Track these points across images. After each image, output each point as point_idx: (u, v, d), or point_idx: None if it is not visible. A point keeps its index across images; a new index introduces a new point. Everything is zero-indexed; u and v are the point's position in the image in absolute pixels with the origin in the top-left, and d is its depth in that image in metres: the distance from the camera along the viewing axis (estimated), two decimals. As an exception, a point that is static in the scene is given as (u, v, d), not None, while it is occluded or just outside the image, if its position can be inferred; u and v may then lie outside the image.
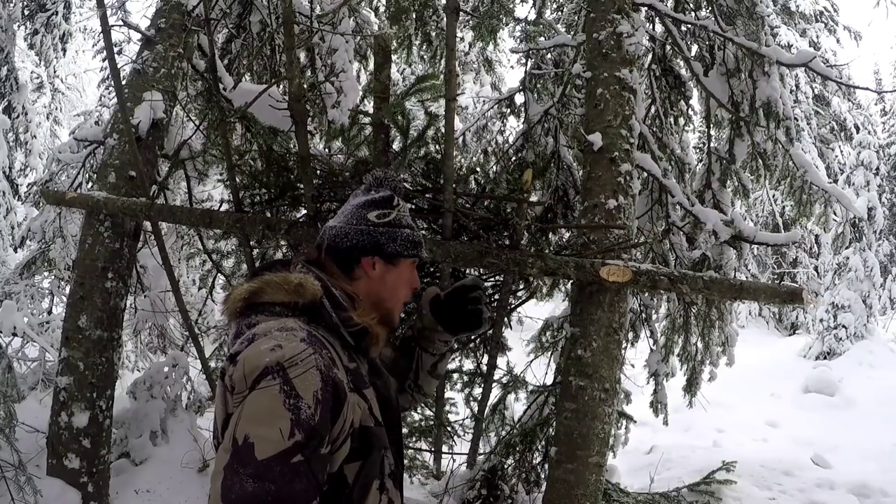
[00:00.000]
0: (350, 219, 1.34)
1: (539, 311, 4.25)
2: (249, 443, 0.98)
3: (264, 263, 1.36)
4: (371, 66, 5.18)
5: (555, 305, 4.71)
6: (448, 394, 3.49)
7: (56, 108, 15.68)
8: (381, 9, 5.60)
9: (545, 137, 4.07)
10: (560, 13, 5.41)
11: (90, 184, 4.17)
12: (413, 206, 2.97)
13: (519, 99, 4.68)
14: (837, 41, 13.22)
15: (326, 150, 3.62)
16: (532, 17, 5.05)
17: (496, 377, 3.42)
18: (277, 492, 0.95)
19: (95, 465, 3.21)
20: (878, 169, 11.82)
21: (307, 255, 1.35)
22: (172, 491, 3.49)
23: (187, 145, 3.67)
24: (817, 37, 13.00)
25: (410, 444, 4.00)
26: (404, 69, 11.24)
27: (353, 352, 1.21)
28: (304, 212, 2.92)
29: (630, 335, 3.95)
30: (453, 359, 3.45)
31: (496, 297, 3.22)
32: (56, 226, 4.82)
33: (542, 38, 4.36)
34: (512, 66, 11.64)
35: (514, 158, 4.07)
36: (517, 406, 3.77)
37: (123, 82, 3.36)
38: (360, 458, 1.14)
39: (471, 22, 5.36)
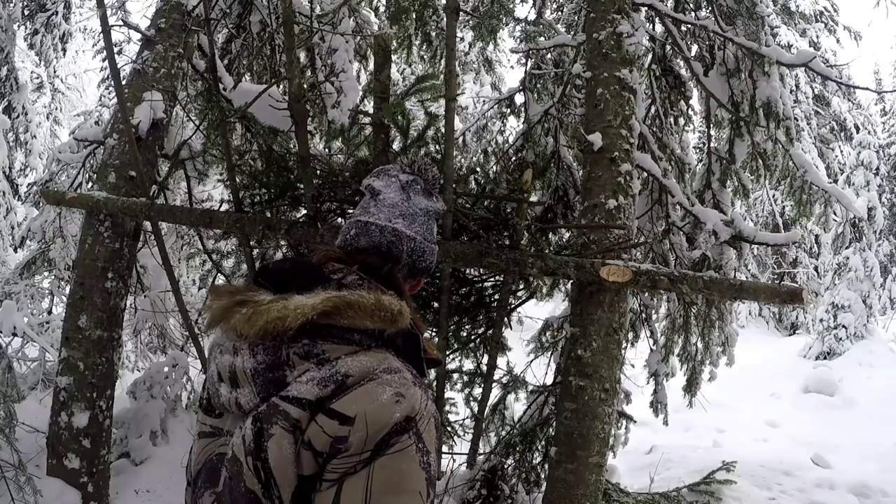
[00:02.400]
0: (425, 233, 1.15)
1: (539, 311, 4.25)
2: None
3: (274, 270, 1.01)
4: (371, 66, 5.18)
5: (555, 305, 4.71)
6: (448, 394, 3.49)
7: (56, 108, 15.68)
8: (381, 9, 5.60)
9: (545, 137, 4.07)
10: (560, 13, 5.41)
11: (90, 184, 4.17)
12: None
13: (519, 99, 4.68)
14: (837, 41, 13.22)
15: (326, 150, 3.63)
16: (532, 17, 5.05)
17: (496, 377, 3.42)
18: None
19: (95, 465, 3.21)
20: (878, 169, 11.82)
21: (332, 256, 1.11)
22: (172, 491, 3.49)
23: (187, 145, 3.67)
24: (817, 37, 13.00)
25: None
26: (404, 69, 11.23)
27: None
28: (304, 212, 2.92)
29: (630, 335, 3.95)
30: (453, 359, 3.45)
31: (496, 297, 3.22)
32: (56, 226, 4.81)
33: (542, 38, 4.36)
34: (512, 66, 11.64)
35: (514, 158, 4.07)
36: (517, 406, 3.77)
37: (123, 82, 3.35)
38: None
39: (471, 22, 5.36)
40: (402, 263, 1.10)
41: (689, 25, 3.71)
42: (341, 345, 0.91)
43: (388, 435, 0.84)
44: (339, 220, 3.11)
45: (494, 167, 3.97)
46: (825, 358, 10.81)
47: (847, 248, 11.67)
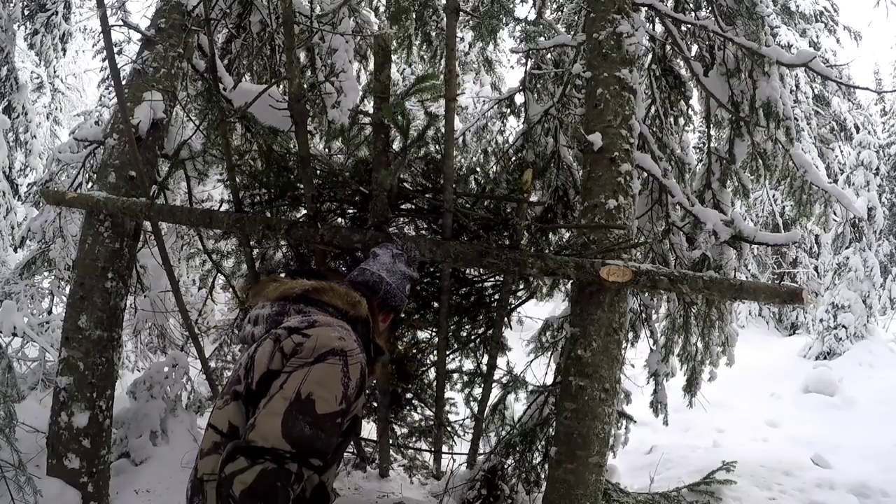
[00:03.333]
0: (401, 284, 1.86)
1: (539, 311, 4.25)
2: (311, 399, 1.35)
3: (300, 268, 1.85)
4: (371, 66, 5.18)
5: (555, 305, 4.71)
6: (448, 394, 3.49)
7: (56, 108, 15.67)
8: (381, 9, 5.60)
9: (545, 137, 4.07)
10: (560, 13, 5.40)
11: (90, 184, 4.16)
12: (413, 206, 2.98)
13: (519, 99, 4.67)
14: (837, 41, 13.20)
15: (326, 150, 3.63)
16: (532, 17, 5.04)
17: (496, 377, 3.42)
18: (325, 439, 1.36)
19: (95, 465, 3.21)
20: (878, 169, 11.81)
21: (339, 278, 1.82)
22: (172, 491, 3.48)
23: (187, 145, 3.66)
24: (817, 37, 12.98)
25: (410, 444, 4.00)
26: (404, 69, 11.24)
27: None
28: (304, 212, 2.92)
29: (630, 335, 3.95)
30: (453, 359, 3.45)
31: (496, 297, 3.22)
32: (56, 226, 4.81)
33: (542, 38, 4.36)
34: (512, 66, 11.64)
35: (514, 158, 4.07)
36: (517, 406, 3.77)
37: (123, 82, 3.35)
38: (344, 437, 1.52)
39: (471, 22, 5.36)
40: (379, 296, 1.78)
41: (689, 25, 3.71)
42: (320, 311, 1.58)
43: (326, 353, 1.41)
44: (339, 220, 3.11)
45: (494, 167, 3.97)
46: (825, 358, 10.80)
47: (847, 248, 11.67)
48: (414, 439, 3.91)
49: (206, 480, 1.42)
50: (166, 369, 4.09)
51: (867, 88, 5.71)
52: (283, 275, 1.89)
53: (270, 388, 1.38)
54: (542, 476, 3.40)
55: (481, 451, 3.72)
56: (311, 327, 1.45)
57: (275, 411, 1.32)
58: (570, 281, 2.84)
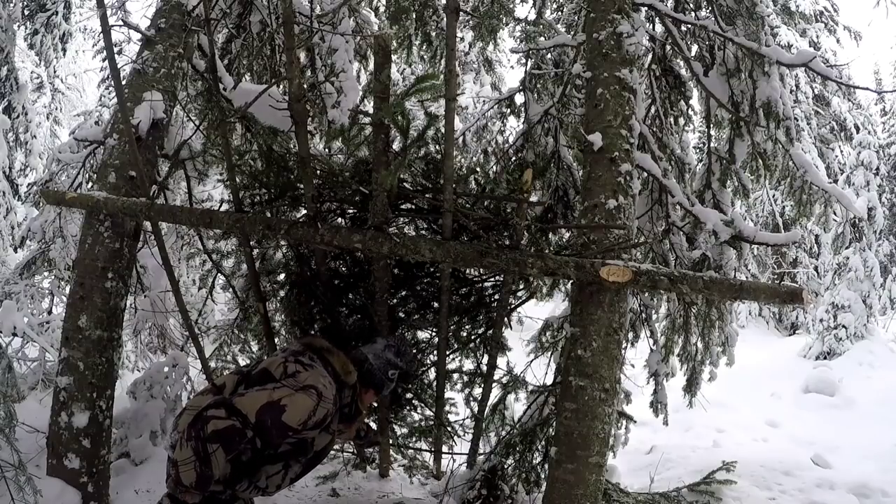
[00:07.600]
0: (383, 368, 2.42)
1: (539, 311, 4.25)
2: (283, 408, 1.97)
3: (331, 333, 2.96)
4: (371, 66, 5.18)
5: (555, 305, 4.71)
6: (448, 394, 3.49)
7: (56, 108, 15.67)
8: (381, 9, 5.60)
9: (545, 137, 4.07)
10: (560, 13, 5.40)
11: (90, 184, 4.16)
12: (413, 207, 2.97)
13: (519, 99, 4.67)
14: (837, 41, 13.21)
15: (326, 150, 3.63)
16: (532, 17, 5.04)
17: (496, 377, 3.42)
18: (272, 435, 2.00)
19: (95, 465, 3.21)
20: (878, 169, 11.81)
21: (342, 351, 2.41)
22: (172, 491, 3.48)
23: (187, 145, 3.67)
24: (817, 37, 12.99)
25: (410, 444, 4.00)
26: (404, 69, 11.24)
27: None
28: (304, 212, 2.92)
29: (630, 335, 3.94)
30: (453, 359, 3.45)
31: (496, 297, 3.22)
32: (56, 226, 4.81)
33: (542, 38, 4.36)
34: (512, 66, 11.65)
35: (514, 158, 4.07)
36: (517, 406, 3.77)
37: (123, 82, 3.35)
38: (290, 446, 2.14)
39: (471, 22, 5.36)
40: (363, 372, 2.38)
41: (689, 25, 3.71)
42: (322, 365, 2.23)
43: (309, 387, 2.05)
44: (339, 220, 3.11)
45: (494, 167, 3.97)
46: (825, 358, 10.81)
47: (847, 248, 11.67)
48: (414, 439, 3.91)
49: (187, 408, 2.07)
50: (166, 369, 4.10)
51: (867, 88, 5.72)
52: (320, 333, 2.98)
53: (266, 384, 2.06)
54: (542, 476, 3.40)
55: (481, 451, 3.72)
56: (311, 368, 2.13)
57: (261, 398, 1.98)
58: (570, 281, 2.84)
